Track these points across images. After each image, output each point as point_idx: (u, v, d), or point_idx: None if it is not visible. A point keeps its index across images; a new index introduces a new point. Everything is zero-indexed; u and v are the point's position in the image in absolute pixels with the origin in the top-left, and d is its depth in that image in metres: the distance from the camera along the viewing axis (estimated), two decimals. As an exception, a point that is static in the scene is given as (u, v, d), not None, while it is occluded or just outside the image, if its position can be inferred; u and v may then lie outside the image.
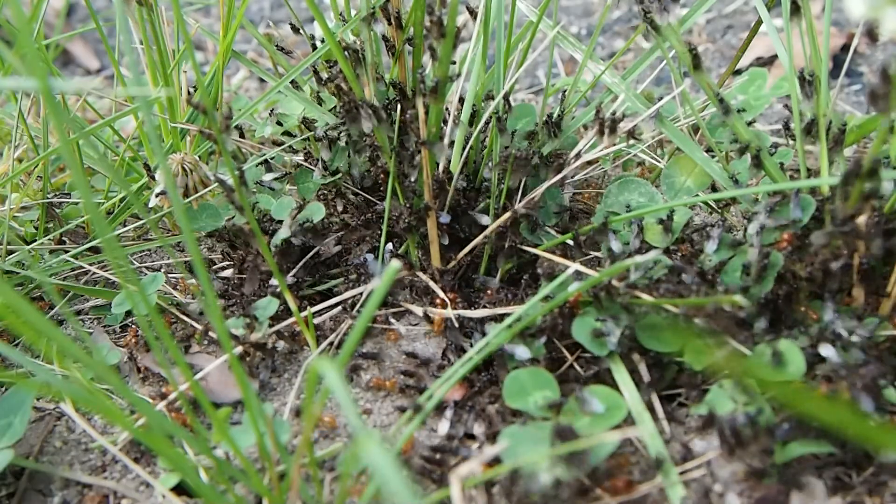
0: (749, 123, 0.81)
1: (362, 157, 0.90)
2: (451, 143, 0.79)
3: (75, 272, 0.96)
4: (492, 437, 0.69)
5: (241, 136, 1.01)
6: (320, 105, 0.93)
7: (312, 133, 0.93)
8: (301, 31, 0.94)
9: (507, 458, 0.63)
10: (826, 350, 0.67)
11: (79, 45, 1.96)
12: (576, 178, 1.01)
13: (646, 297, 0.69)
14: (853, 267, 0.69)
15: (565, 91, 0.95)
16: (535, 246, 0.83)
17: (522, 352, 0.71)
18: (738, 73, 0.94)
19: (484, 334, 0.77)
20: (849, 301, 0.72)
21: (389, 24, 0.84)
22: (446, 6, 0.66)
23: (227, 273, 0.91)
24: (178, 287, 0.92)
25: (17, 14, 0.49)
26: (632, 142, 0.83)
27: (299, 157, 0.96)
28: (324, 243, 0.89)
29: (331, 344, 0.82)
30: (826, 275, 0.70)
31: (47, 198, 0.97)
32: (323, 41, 0.90)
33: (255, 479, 0.61)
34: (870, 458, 0.63)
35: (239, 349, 0.79)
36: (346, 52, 0.82)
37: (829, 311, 0.70)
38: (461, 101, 0.81)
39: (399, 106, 0.82)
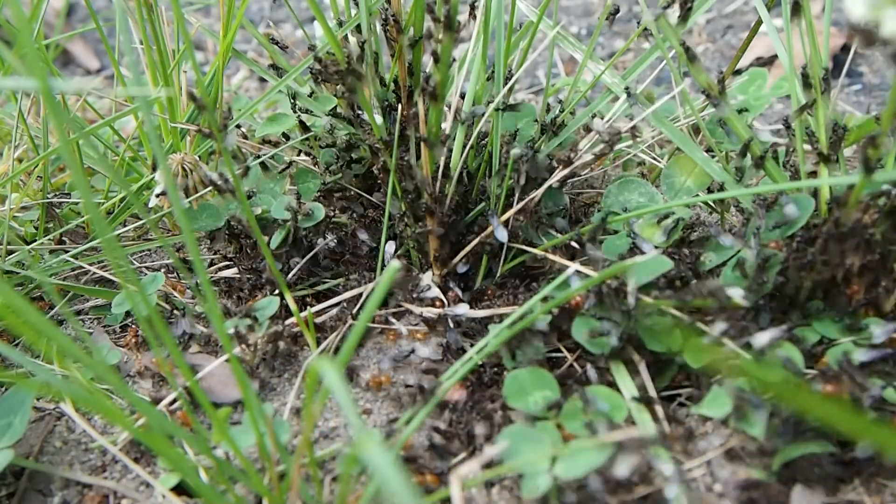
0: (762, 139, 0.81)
1: (361, 153, 0.90)
2: (451, 143, 0.79)
3: (75, 272, 0.96)
4: (492, 437, 0.69)
5: (245, 137, 1.01)
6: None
7: (313, 133, 0.93)
8: (300, 27, 0.94)
9: (507, 458, 0.63)
10: (827, 351, 0.67)
11: (79, 45, 1.96)
12: (576, 178, 1.01)
13: (646, 297, 0.69)
14: (853, 267, 0.69)
15: (565, 95, 0.95)
16: (535, 246, 0.83)
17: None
18: (738, 73, 0.93)
19: (484, 334, 0.77)
20: (849, 301, 0.71)
21: (388, 24, 0.84)
22: (448, 3, 0.66)
23: (228, 273, 0.91)
24: (178, 288, 0.92)
25: (17, 14, 0.49)
26: (631, 142, 0.83)
27: (299, 158, 0.96)
28: (324, 243, 0.89)
29: (330, 344, 0.82)
30: (826, 275, 0.70)
31: (47, 198, 0.97)
32: (323, 41, 0.90)
33: (255, 479, 0.61)
34: (870, 458, 0.63)
35: (239, 349, 0.79)
36: (345, 50, 0.82)
37: (829, 311, 0.70)
38: (461, 98, 0.81)
39: (399, 106, 0.82)
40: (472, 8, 0.82)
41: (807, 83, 0.74)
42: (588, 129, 0.88)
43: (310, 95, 0.93)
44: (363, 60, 0.81)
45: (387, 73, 0.91)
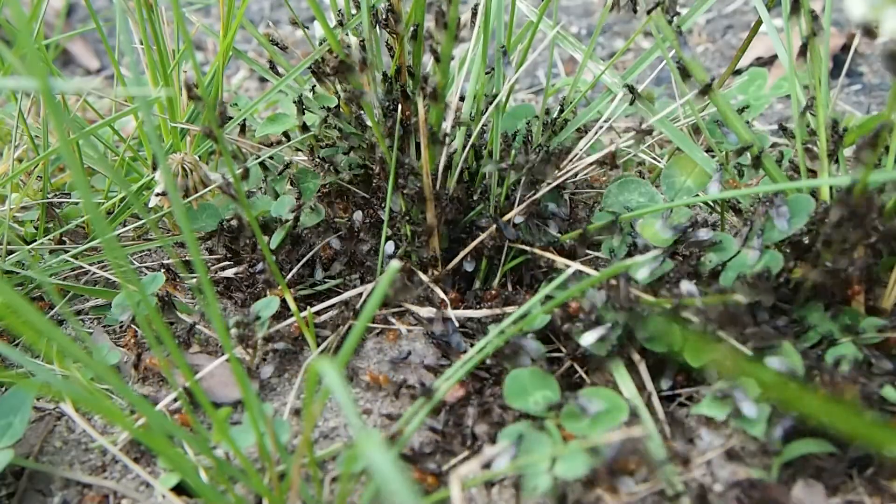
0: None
1: (360, 152, 0.90)
2: (451, 143, 0.79)
3: (75, 272, 0.96)
4: (492, 437, 0.69)
5: (242, 131, 1.01)
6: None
7: (312, 133, 0.93)
8: (300, 27, 0.94)
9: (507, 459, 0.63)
10: (827, 351, 0.67)
11: (79, 45, 1.96)
12: (576, 178, 1.01)
13: (646, 297, 0.69)
14: (853, 265, 0.69)
15: (565, 95, 0.95)
16: (535, 246, 0.83)
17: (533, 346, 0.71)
18: (738, 73, 0.94)
19: (484, 334, 0.77)
20: (850, 300, 0.71)
21: (388, 24, 0.84)
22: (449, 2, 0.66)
23: (228, 273, 0.91)
24: (177, 287, 0.92)
25: (17, 14, 0.49)
26: (631, 142, 0.83)
27: (298, 157, 0.96)
28: (324, 243, 0.89)
29: (330, 344, 0.82)
30: (827, 274, 0.70)
31: (47, 198, 0.97)
32: (324, 40, 0.89)
33: (255, 479, 0.61)
34: (870, 458, 0.63)
35: (239, 349, 0.79)
36: (346, 50, 0.82)
37: (830, 311, 0.70)
38: (461, 99, 0.81)
39: (399, 106, 0.82)
40: (474, 14, 0.82)
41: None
42: (586, 130, 0.88)
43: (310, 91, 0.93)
44: (364, 59, 0.81)
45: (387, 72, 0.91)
